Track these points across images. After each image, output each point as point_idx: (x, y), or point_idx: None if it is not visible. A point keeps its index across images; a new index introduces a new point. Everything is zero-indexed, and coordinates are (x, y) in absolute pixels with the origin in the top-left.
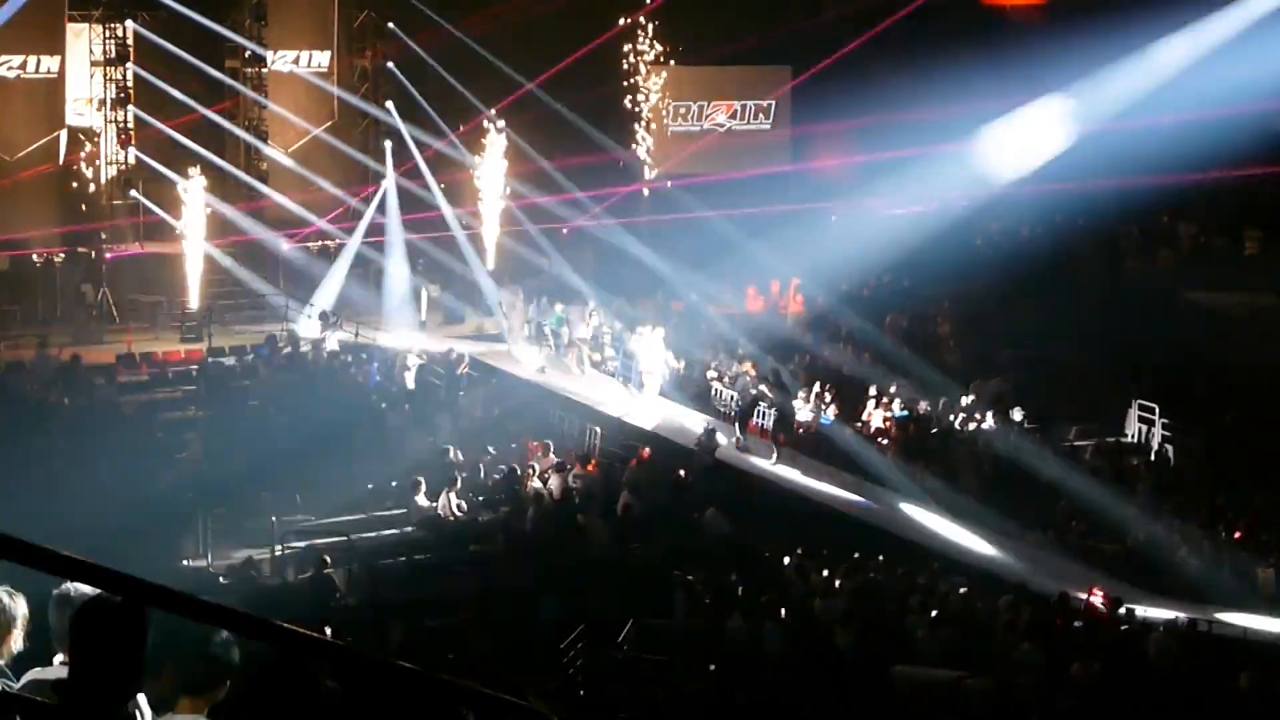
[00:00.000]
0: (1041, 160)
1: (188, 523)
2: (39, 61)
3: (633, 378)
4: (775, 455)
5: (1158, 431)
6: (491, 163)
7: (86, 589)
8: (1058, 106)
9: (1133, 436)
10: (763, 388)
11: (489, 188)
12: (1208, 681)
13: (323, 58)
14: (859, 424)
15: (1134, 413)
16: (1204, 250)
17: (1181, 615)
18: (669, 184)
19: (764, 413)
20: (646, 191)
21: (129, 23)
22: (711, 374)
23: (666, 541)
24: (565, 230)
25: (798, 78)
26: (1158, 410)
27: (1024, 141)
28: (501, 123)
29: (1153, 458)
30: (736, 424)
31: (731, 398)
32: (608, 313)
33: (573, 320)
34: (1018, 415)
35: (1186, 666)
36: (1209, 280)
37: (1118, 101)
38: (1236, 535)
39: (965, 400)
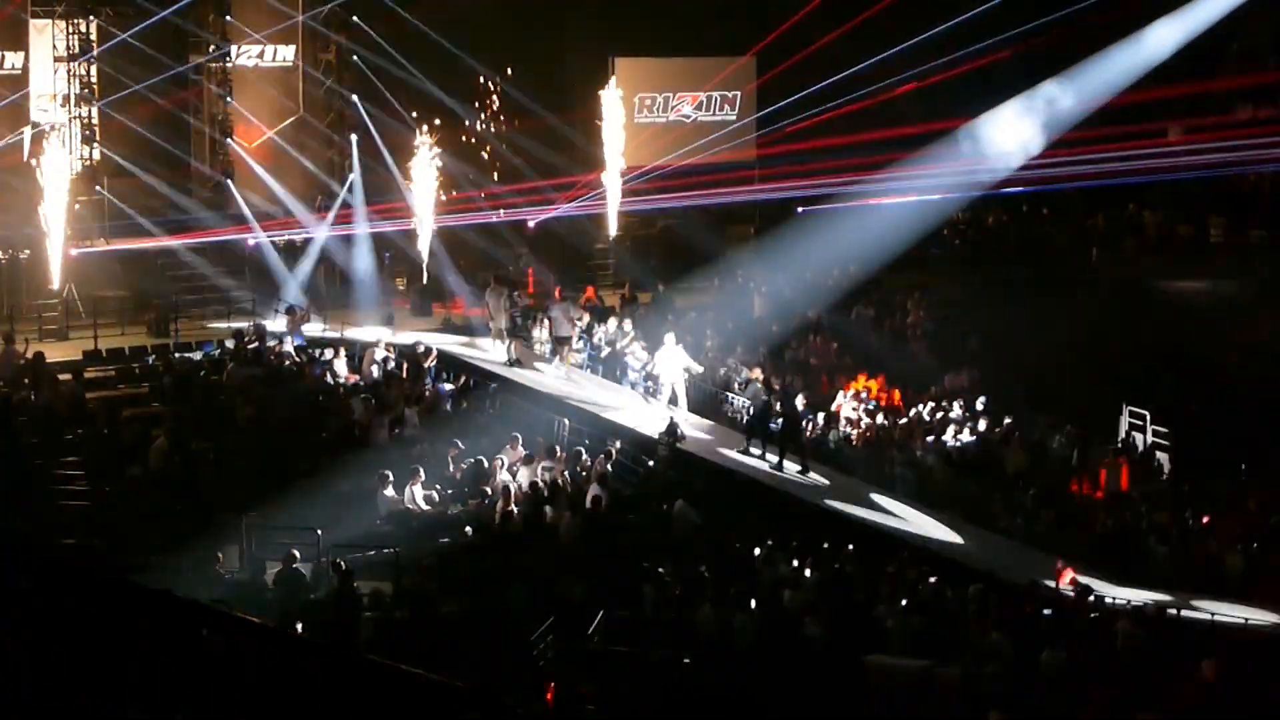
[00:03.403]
0: (1027, 155)
1: (154, 519)
2: (3, 58)
3: (642, 386)
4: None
5: (1125, 420)
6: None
7: None
8: (1043, 97)
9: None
10: (775, 398)
11: None
12: (1176, 668)
13: (287, 51)
14: (828, 414)
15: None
16: (1169, 239)
17: (1150, 602)
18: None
19: (776, 421)
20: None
21: (92, 18)
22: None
23: (635, 533)
24: (531, 223)
25: (762, 67)
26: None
27: (1009, 135)
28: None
29: (1120, 444)
30: (747, 432)
31: (743, 405)
32: (577, 307)
33: (554, 317)
34: (984, 405)
35: (1154, 653)
36: (1174, 269)
37: (1108, 87)
38: (1204, 521)
39: (933, 389)
